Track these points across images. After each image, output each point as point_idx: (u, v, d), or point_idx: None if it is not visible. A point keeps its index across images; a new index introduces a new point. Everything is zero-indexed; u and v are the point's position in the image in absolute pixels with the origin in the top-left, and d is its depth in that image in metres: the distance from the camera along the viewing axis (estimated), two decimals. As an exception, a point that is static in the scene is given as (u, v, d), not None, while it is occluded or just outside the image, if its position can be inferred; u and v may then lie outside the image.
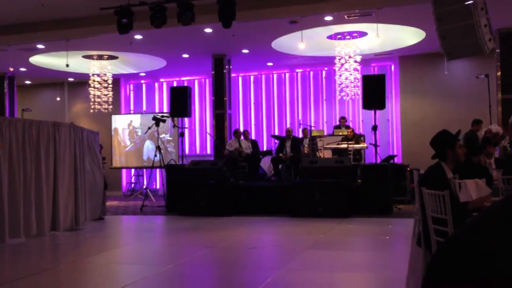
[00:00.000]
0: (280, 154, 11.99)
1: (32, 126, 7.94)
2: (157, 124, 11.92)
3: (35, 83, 16.97)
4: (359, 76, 12.14)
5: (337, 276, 5.07)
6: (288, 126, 14.10)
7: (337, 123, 13.53)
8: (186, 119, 12.44)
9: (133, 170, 15.75)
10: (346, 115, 14.13)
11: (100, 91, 14.11)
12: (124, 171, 16.25)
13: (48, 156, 8.20)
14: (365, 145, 11.90)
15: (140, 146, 15.31)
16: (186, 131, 14.61)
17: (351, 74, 12.22)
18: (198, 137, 16.06)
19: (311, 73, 15.05)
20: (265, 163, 13.10)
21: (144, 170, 15.13)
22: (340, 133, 12.13)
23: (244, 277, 5.22)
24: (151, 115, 12.52)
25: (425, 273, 0.77)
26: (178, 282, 5.11)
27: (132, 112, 16.52)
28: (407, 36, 12.07)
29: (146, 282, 4.94)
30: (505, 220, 0.72)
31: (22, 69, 14.79)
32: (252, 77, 15.56)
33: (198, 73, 15.61)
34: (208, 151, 15.63)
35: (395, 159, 12.78)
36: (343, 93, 12.49)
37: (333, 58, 12.38)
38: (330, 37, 12.05)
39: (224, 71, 13.70)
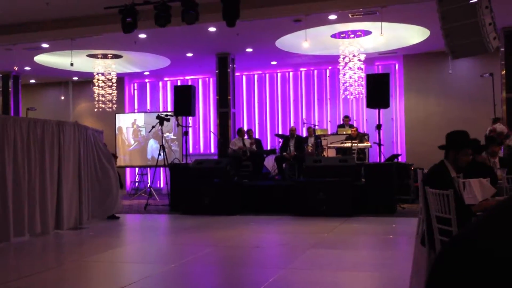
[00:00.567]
0: (284, 153, 11.98)
1: (36, 125, 7.96)
2: (161, 123, 11.93)
3: (40, 82, 17.02)
4: (363, 75, 12.11)
5: (341, 275, 5.06)
6: (292, 125, 14.09)
7: (341, 122, 13.51)
8: (190, 118, 12.45)
9: (137, 169, 15.77)
10: (350, 114, 14.11)
11: (105, 90, 14.14)
12: (128, 170, 16.28)
13: (53, 155, 8.22)
14: (369, 144, 11.88)
15: (144, 145, 15.33)
16: (190, 130, 14.61)
17: (355, 73, 12.20)
18: (202, 136, 16.07)
19: (315, 72, 15.03)
20: (269, 162, 13.10)
21: (148, 169, 15.14)
22: (344, 132, 12.11)
23: (248, 276, 5.22)
24: (155, 114, 12.53)
25: (429, 273, 0.77)
26: (182, 281, 5.12)
27: (136, 111, 16.55)
28: (412, 34, 12.04)
29: (150, 281, 4.95)
30: (510, 220, 0.72)
31: (27, 68, 14.84)
32: (256, 76, 15.56)
33: (202, 72, 15.61)
34: (212, 150, 15.64)
35: (399, 158, 12.75)
36: (347, 92, 12.47)
37: (337, 57, 12.36)
38: (334, 36, 12.03)
39: (228, 70, 13.70)
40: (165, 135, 13.47)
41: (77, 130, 8.93)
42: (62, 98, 16.94)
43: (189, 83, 15.31)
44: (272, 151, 13.01)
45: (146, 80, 16.68)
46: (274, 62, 14.64)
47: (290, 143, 12.05)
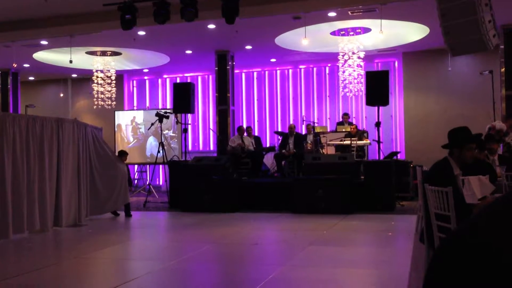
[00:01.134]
0: (283, 151, 11.98)
1: (35, 122, 7.96)
2: (160, 120, 11.92)
3: (39, 79, 17.00)
4: (362, 72, 12.11)
5: (340, 272, 5.07)
6: (291, 122, 14.09)
7: (340, 119, 13.51)
8: (189, 115, 12.43)
9: (136, 166, 15.77)
10: (349, 111, 14.11)
11: (104, 87, 14.12)
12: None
13: (52, 152, 8.22)
14: (368, 141, 11.88)
15: (143, 142, 15.32)
16: (189, 127, 14.60)
17: (354, 70, 12.20)
18: (201, 133, 16.07)
19: (315, 69, 15.03)
20: (268, 160, 13.10)
21: (147, 166, 15.14)
22: (343, 130, 12.11)
23: (247, 273, 5.23)
24: (154, 111, 12.52)
25: (427, 269, 0.77)
26: (181, 278, 5.12)
27: (135, 108, 16.54)
28: (411, 32, 12.03)
29: (150, 277, 4.95)
30: (508, 217, 0.72)
31: (26, 65, 14.82)
32: (255, 73, 15.55)
33: (201, 69, 15.60)
34: (211, 148, 15.64)
35: (398, 155, 12.75)
36: (346, 90, 12.47)
37: (337, 54, 12.35)
38: (333, 33, 12.02)
39: (227, 67, 13.69)
40: (164, 132, 13.46)
41: (76, 127, 8.92)
42: (61, 95, 16.93)
43: (188, 80, 15.30)
44: (271, 149, 13.01)
45: (145, 77, 16.67)
46: (273, 60, 14.63)
47: (289, 141, 12.05)
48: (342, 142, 11.54)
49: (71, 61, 12.32)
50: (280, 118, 15.27)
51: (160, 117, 11.95)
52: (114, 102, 14.44)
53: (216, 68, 13.80)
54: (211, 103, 15.76)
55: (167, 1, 9.17)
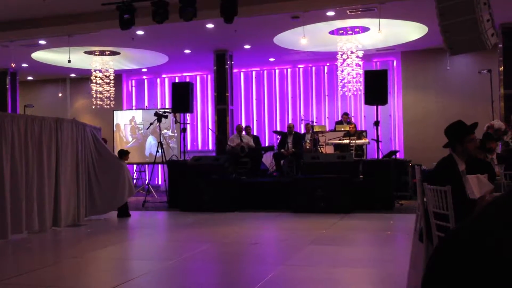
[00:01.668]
0: (282, 150, 11.98)
1: (34, 122, 7.95)
2: (159, 120, 11.92)
3: (37, 79, 16.98)
4: (361, 71, 12.11)
5: (339, 271, 5.07)
6: (290, 121, 14.09)
7: (339, 118, 13.51)
8: (188, 115, 12.43)
9: (135, 166, 15.75)
10: (348, 110, 14.11)
11: (102, 87, 14.11)
12: (126, 167, 16.26)
13: (50, 152, 8.21)
14: (367, 140, 11.89)
15: (142, 142, 15.32)
16: (188, 127, 14.59)
17: (353, 70, 12.20)
18: (200, 133, 16.06)
19: (313, 68, 15.03)
20: (267, 159, 13.10)
21: (146, 165, 15.14)
22: (342, 129, 12.12)
23: (246, 272, 5.23)
24: (153, 111, 12.51)
25: (426, 267, 0.77)
26: (180, 277, 5.12)
27: (134, 108, 16.53)
28: (410, 31, 12.04)
29: (149, 277, 4.95)
30: (507, 216, 0.72)
31: (24, 65, 14.80)
32: (254, 73, 15.54)
33: (200, 68, 15.59)
34: (210, 147, 15.64)
35: (397, 154, 12.76)
36: (345, 89, 12.48)
37: (335, 53, 12.36)
38: (332, 33, 12.02)
39: (226, 66, 13.69)
40: (163, 132, 13.46)
41: (75, 127, 8.91)
42: (60, 95, 16.91)
43: (187, 80, 15.30)
44: (270, 148, 13.01)
45: (144, 77, 16.66)
46: (272, 59, 14.63)
47: (288, 140, 12.05)
48: (341, 141, 11.55)
49: (69, 61, 12.31)
50: (279, 118, 15.28)
51: (159, 117, 11.94)
52: (113, 102, 14.43)
53: (215, 68, 13.79)
54: (210, 103, 15.76)
55: (165, 1, 9.16)
